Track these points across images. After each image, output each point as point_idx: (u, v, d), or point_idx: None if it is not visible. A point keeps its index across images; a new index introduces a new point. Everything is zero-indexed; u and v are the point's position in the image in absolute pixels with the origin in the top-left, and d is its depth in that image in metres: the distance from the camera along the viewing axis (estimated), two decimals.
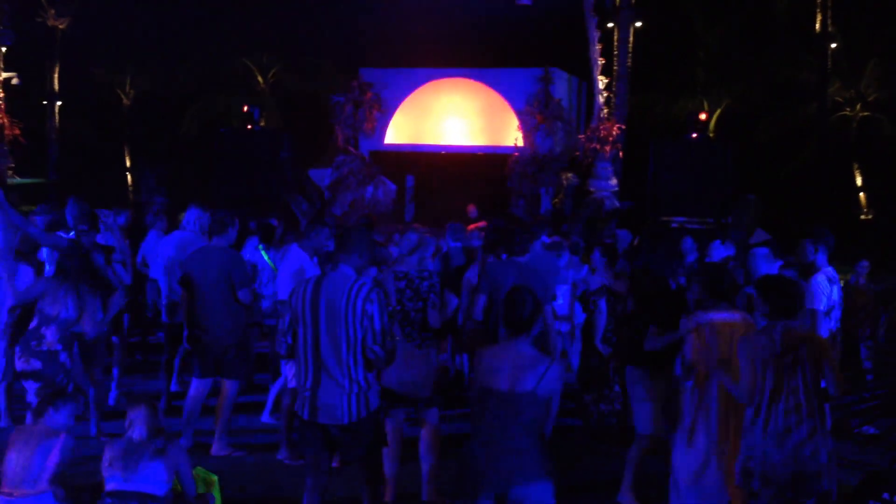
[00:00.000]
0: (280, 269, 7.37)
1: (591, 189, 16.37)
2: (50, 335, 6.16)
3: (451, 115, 18.33)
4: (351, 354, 4.83)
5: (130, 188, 25.60)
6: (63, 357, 6.19)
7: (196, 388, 7.13)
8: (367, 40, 22.15)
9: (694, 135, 14.65)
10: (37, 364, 6.11)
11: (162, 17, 23.40)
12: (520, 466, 4.19)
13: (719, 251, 8.79)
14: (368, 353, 4.83)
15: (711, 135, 20.37)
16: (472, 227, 11.49)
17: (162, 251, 8.59)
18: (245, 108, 16.72)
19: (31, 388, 6.12)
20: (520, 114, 17.41)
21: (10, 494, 4.95)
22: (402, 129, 18.58)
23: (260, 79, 26.61)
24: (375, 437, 5.01)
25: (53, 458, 4.97)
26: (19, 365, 6.18)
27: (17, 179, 18.12)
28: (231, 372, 7.05)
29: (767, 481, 4.79)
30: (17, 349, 6.25)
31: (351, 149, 18.05)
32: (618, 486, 6.16)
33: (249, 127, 16.31)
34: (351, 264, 4.94)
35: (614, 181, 16.46)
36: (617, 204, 15.83)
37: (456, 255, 8.88)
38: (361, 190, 17.23)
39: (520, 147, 17.23)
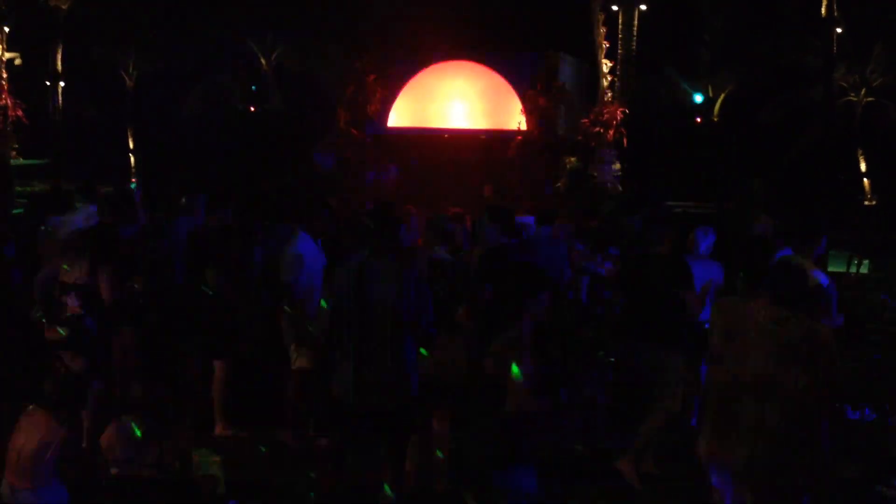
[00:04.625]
0: (286, 253, 7.39)
1: (594, 173, 16.36)
2: (71, 301, 6.25)
3: (455, 98, 18.30)
4: (396, 339, 4.89)
5: (132, 169, 25.59)
6: (88, 322, 6.27)
7: (197, 367, 7.17)
8: (371, 22, 22.08)
9: (698, 119, 14.63)
10: (62, 332, 6.21)
11: None
12: None
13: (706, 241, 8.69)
14: (422, 336, 4.90)
15: (715, 119, 20.32)
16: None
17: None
18: (253, 88, 16.69)
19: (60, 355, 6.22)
20: (523, 97, 17.37)
21: (14, 484, 4.99)
22: (405, 112, 18.55)
23: (263, 60, 26.50)
24: (410, 423, 5.05)
25: (55, 453, 5.01)
26: (48, 335, 6.28)
27: (21, 160, 18.15)
28: (227, 352, 7.09)
29: None
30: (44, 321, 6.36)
31: (354, 131, 18.03)
32: None
33: (253, 108, 16.31)
34: (392, 250, 4.98)
35: (617, 165, 16.45)
36: (620, 188, 15.84)
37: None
38: (364, 173, 17.24)
39: (523, 130, 17.20)
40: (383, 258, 4.93)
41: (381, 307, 4.85)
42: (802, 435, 4.24)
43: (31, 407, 5.08)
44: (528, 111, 17.24)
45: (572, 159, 16.70)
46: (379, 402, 4.91)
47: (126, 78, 26.96)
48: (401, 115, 18.61)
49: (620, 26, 17.11)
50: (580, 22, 17.52)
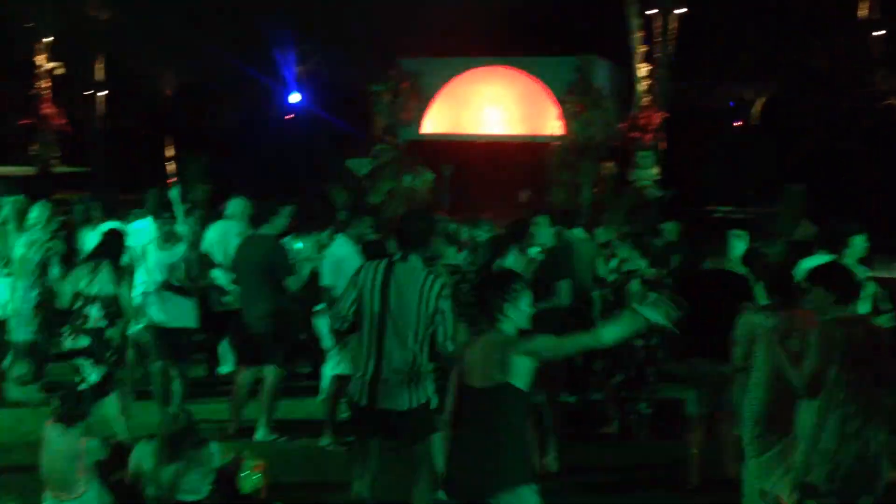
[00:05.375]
0: (326, 257, 7.44)
1: (632, 178, 16.25)
2: (94, 313, 6.33)
3: (490, 104, 18.28)
4: (416, 344, 4.89)
5: (171, 177, 25.85)
6: (110, 332, 6.35)
7: (239, 375, 7.24)
8: (405, 29, 22.14)
9: (737, 123, 14.49)
10: (85, 341, 6.28)
11: (201, 6, 23.56)
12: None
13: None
14: (440, 348, 4.90)
15: (755, 123, 20.11)
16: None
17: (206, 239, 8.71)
18: (290, 97, 16.84)
19: (81, 365, 6.30)
20: (559, 102, 17.31)
21: (58, 497, 5.06)
22: (439, 119, 18.57)
23: (298, 68, 26.67)
24: (431, 424, 5.05)
25: (85, 462, 5.07)
26: (69, 343, 6.36)
27: (63, 168, 18.45)
28: (271, 359, 7.14)
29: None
30: (66, 330, 6.45)
31: (388, 138, 18.09)
32: None
33: (288, 117, 16.45)
34: (419, 254, 4.99)
35: (656, 170, 16.32)
36: (658, 193, 15.71)
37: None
38: (398, 179, 17.28)
39: (559, 135, 17.14)
40: (409, 261, 4.95)
41: (401, 309, 4.86)
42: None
43: (49, 422, 5.16)
44: (565, 116, 17.18)
45: (609, 164, 16.61)
46: (393, 405, 4.90)
47: (165, 87, 27.30)
48: (435, 121, 18.63)
49: (658, 30, 16.99)
50: (616, 26, 17.43)
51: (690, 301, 6.09)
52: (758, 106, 22.55)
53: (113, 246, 6.75)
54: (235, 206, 8.67)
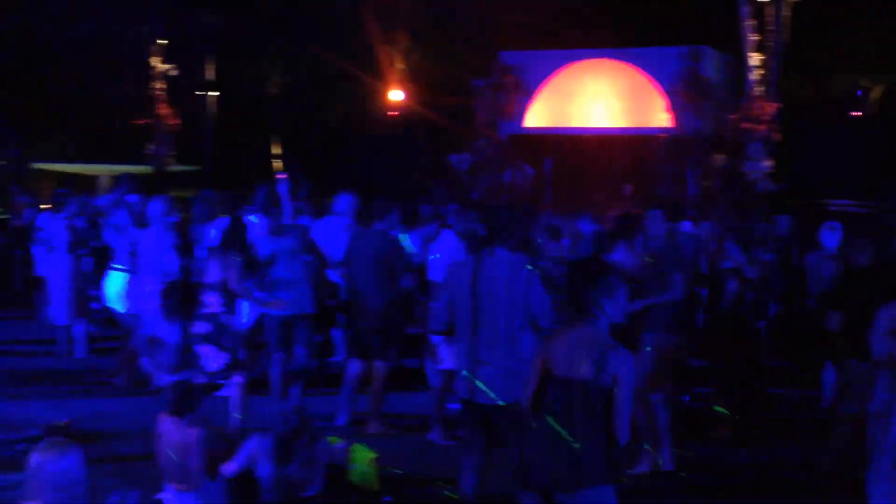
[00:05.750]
0: (432, 252, 7.46)
1: (743, 171, 15.76)
2: (214, 300, 6.51)
3: (594, 97, 18.00)
4: (510, 337, 4.86)
5: (278, 174, 26.44)
6: (226, 319, 6.52)
7: (351, 368, 7.32)
8: (507, 23, 22.03)
9: (854, 113, 13.87)
10: (204, 327, 6.47)
11: (302, 5, 24.01)
12: None
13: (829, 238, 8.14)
14: (538, 336, 4.82)
15: (873, 113, 19.24)
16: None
17: (314, 236, 8.85)
18: (391, 94, 17.00)
19: (203, 352, 6.48)
20: (667, 93, 16.92)
21: (177, 488, 5.19)
22: (542, 112, 18.40)
23: (400, 64, 26.90)
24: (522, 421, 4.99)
25: (200, 455, 5.17)
26: (190, 333, 6.56)
27: (177, 167, 19.09)
28: (383, 353, 7.19)
29: None
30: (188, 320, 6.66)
31: (490, 133, 18.04)
32: None
33: (392, 113, 16.58)
34: (508, 248, 4.96)
35: (768, 162, 15.78)
36: (770, 186, 15.18)
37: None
38: (500, 174, 17.21)
39: (667, 128, 16.77)
40: (497, 255, 4.91)
41: (493, 304, 4.82)
42: None
43: (160, 415, 5.28)
44: (673, 108, 16.78)
45: (720, 156, 16.14)
46: (492, 399, 4.88)
47: (271, 87, 27.96)
48: (538, 115, 18.47)
49: (769, 18, 16.41)
50: (726, 15, 16.94)
51: (856, 300, 5.81)
52: (875, 94, 21.57)
53: (235, 237, 6.96)
54: (343, 202, 8.78)
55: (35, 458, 3.68)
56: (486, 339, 4.88)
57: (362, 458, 5.34)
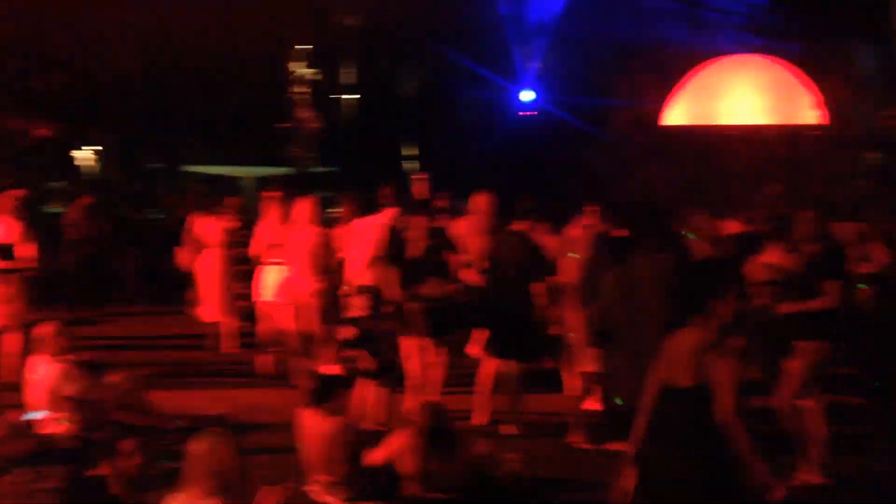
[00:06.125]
0: (571, 253, 7.41)
1: None
2: (362, 300, 6.66)
3: (739, 93, 17.39)
4: (660, 337, 4.71)
5: (413, 175, 26.78)
6: (375, 322, 6.65)
7: (487, 367, 7.33)
8: (644, 19, 21.55)
9: None
10: (355, 329, 6.63)
11: (438, 8, 24.20)
12: None
13: None
14: None
15: None
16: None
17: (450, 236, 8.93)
18: (523, 95, 16.94)
19: (350, 349, 6.66)
20: (819, 88, 16.18)
21: (320, 480, 5.31)
22: (684, 110, 17.91)
23: (533, 64, 26.71)
24: None
25: (342, 447, 5.27)
26: (341, 331, 6.75)
27: (317, 168, 19.64)
28: (519, 353, 7.17)
29: None
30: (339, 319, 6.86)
31: (630, 131, 17.73)
32: None
33: (526, 113, 16.51)
34: (656, 250, 4.85)
35: None
36: None
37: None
38: (640, 173, 16.87)
39: (817, 125, 16.04)
40: (649, 260, 4.77)
41: (645, 311, 4.68)
42: None
43: (301, 407, 5.39)
44: (823, 104, 16.02)
45: (874, 155, 15.31)
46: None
47: (405, 88, 28.33)
48: (679, 112, 17.99)
49: None
50: (880, 7, 16.06)
51: None
52: None
53: (387, 237, 7.15)
54: (480, 202, 8.80)
55: (192, 446, 3.84)
56: (635, 341, 4.78)
57: (504, 459, 5.34)
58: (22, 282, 8.30)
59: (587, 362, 6.80)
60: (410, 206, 10.87)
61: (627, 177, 16.74)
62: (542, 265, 7.22)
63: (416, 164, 25.65)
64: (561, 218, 9.30)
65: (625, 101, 17.93)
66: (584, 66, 22.79)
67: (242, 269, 9.91)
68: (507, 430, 7.09)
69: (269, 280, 9.14)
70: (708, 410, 3.66)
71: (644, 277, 4.78)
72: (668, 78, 17.84)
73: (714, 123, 17.57)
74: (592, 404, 6.79)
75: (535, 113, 16.65)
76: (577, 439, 6.83)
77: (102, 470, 4.13)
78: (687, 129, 17.75)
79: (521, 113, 20.71)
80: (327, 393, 5.49)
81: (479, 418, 7.26)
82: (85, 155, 20.14)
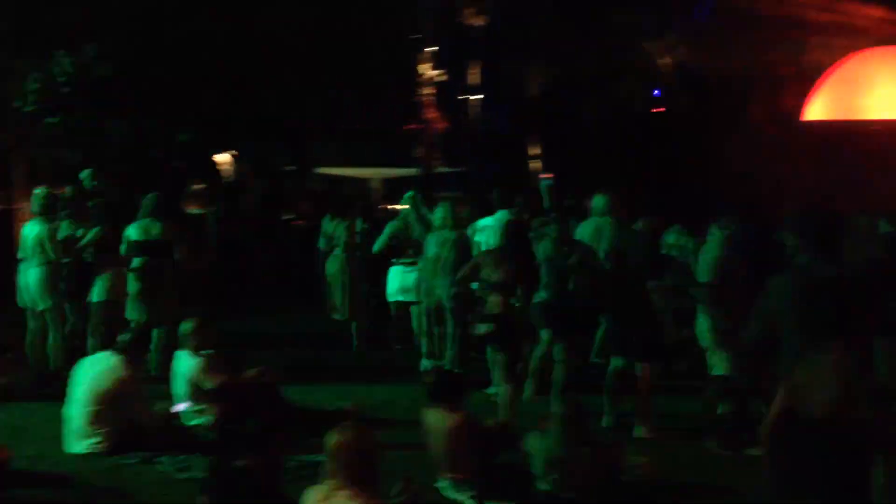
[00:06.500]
0: (703, 253, 7.20)
1: None
2: (496, 300, 6.67)
3: (887, 86, 16.48)
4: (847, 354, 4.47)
5: (536, 174, 26.69)
6: (506, 317, 6.66)
7: (613, 368, 7.22)
8: (787, 13, 20.73)
9: None
10: (488, 328, 6.64)
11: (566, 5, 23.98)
12: None
13: None
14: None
15: None
16: None
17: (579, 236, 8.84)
18: (656, 92, 16.60)
19: (480, 348, 6.71)
20: None
21: (450, 477, 5.34)
22: (825, 104, 17.11)
23: (663, 60, 26.10)
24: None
25: (468, 444, 5.26)
26: (476, 330, 6.81)
27: (443, 168, 19.83)
28: (648, 355, 7.04)
29: None
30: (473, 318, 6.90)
31: (768, 128, 17.13)
32: None
33: (656, 110, 16.17)
34: (825, 257, 4.52)
35: None
36: None
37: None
38: (780, 172, 16.27)
39: None
40: (815, 266, 4.46)
41: (824, 323, 4.36)
42: None
43: (427, 405, 5.42)
44: None
45: None
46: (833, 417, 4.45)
47: (531, 87, 28.19)
48: (821, 107, 17.20)
49: None
50: None
51: None
52: None
53: (515, 237, 7.18)
54: (601, 201, 8.70)
55: (330, 440, 3.94)
56: (807, 350, 4.52)
57: (636, 461, 5.24)
58: (173, 279, 8.71)
59: (721, 366, 6.60)
60: (538, 206, 10.89)
61: (766, 174, 16.18)
62: (668, 264, 7.07)
63: (539, 164, 25.57)
64: (694, 216, 9.08)
65: (764, 97, 17.33)
66: (720, 60, 22.17)
67: (374, 268, 10.11)
68: (639, 433, 6.95)
69: (402, 280, 9.31)
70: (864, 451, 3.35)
71: (829, 286, 4.44)
72: (809, 71, 17.14)
73: (854, 118, 16.74)
74: (728, 408, 6.59)
75: (665, 109, 16.28)
76: (715, 444, 6.63)
77: (243, 462, 4.27)
78: (829, 125, 16.96)
79: (652, 110, 20.31)
80: (450, 390, 5.52)
81: (608, 419, 7.15)
82: (223, 158, 20.99)
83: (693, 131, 15.60)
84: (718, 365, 6.64)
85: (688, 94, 23.36)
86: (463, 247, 8.51)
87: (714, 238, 7.07)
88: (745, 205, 9.00)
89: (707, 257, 6.90)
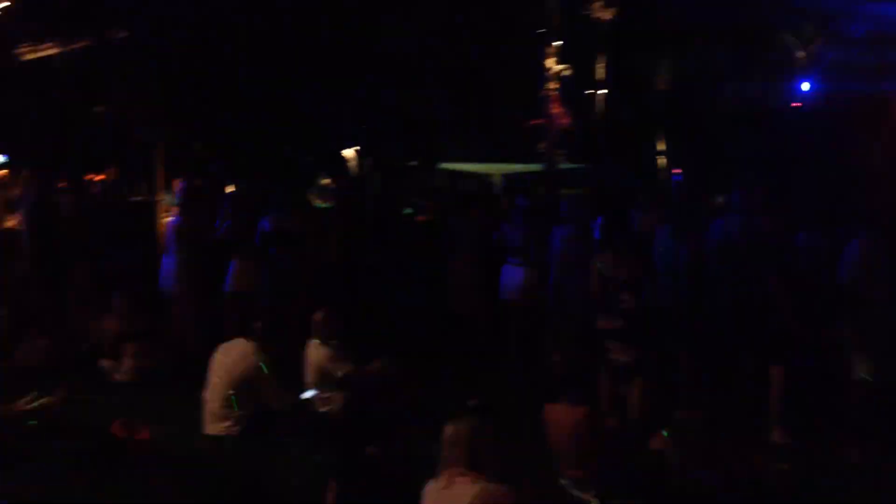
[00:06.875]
0: (845, 253, 6.93)
1: None
2: (624, 296, 6.57)
3: None
4: None
5: (663, 170, 26.11)
6: (641, 317, 6.56)
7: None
8: None
9: None
10: (616, 322, 6.53)
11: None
12: None
13: None
14: None
15: None
16: None
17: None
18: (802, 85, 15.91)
19: (611, 345, 6.60)
20: None
21: (573, 474, 5.27)
22: None
23: (801, 53, 25.06)
24: None
25: (589, 439, 5.18)
26: (600, 324, 6.72)
27: (568, 164, 19.65)
28: (778, 356, 6.81)
29: None
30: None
31: None
32: None
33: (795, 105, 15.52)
34: None
35: None
36: None
37: None
38: None
39: None
40: None
41: None
42: None
43: (549, 402, 5.35)
44: None
45: None
46: None
47: (658, 81, 27.56)
48: None
49: None
50: None
51: None
52: None
53: (620, 230, 7.07)
54: (736, 197, 8.43)
55: (450, 430, 3.99)
56: None
57: (774, 466, 5.05)
58: (303, 269, 8.95)
59: (861, 368, 6.33)
60: (671, 203, 10.62)
61: None
62: (792, 263, 6.81)
63: (664, 160, 25.06)
64: (832, 218, 8.69)
65: None
66: (866, 54, 21.13)
67: (493, 265, 10.07)
68: (775, 437, 6.71)
69: (515, 278, 9.29)
70: None
71: None
72: None
73: None
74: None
75: (801, 105, 15.62)
76: (854, 452, 6.33)
77: (371, 450, 4.34)
78: None
79: (792, 105, 19.55)
80: (572, 385, 5.46)
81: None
82: (349, 153, 21.43)
83: (835, 128, 14.86)
84: (859, 367, 6.37)
85: (826, 88, 22.35)
86: (582, 243, 8.41)
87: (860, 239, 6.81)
88: (887, 206, 8.61)
89: (848, 257, 6.65)
